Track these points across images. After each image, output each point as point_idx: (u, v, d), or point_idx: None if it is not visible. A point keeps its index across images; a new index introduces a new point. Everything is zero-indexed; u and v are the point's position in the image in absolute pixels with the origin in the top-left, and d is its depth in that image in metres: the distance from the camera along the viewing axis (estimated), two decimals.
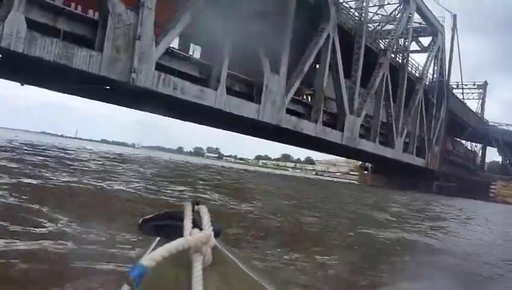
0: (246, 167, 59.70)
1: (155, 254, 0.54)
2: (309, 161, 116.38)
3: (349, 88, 26.32)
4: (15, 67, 14.42)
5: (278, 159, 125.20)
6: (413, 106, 35.51)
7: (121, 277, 0.56)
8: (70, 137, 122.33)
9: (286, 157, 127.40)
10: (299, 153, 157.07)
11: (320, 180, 41.90)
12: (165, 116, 22.78)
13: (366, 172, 50.76)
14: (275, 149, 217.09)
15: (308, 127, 22.69)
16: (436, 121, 40.85)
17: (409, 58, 35.08)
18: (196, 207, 0.71)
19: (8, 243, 2.74)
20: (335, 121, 25.76)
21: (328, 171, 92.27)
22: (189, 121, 23.56)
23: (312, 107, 23.71)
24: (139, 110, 22.52)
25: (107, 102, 21.11)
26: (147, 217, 0.71)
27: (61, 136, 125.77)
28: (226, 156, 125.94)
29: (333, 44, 24.10)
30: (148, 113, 23.29)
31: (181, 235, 0.60)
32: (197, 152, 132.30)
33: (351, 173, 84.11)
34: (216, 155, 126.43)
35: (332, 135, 24.84)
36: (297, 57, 22.48)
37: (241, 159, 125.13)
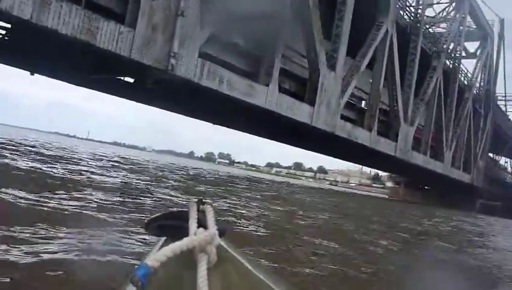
0: (262, 175, 56.71)
1: (160, 254, 0.53)
2: (321, 170, 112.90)
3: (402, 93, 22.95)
4: (23, 46, 11.43)
5: (289, 167, 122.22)
6: (461, 116, 31.96)
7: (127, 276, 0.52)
8: (82, 138, 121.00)
9: (298, 166, 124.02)
10: (310, 161, 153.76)
11: (351, 193, 38.27)
12: (197, 118, 19.65)
13: (397, 186, 47.28)
14: (286, 156, 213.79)
15: (362, 136, 19.33)
16: (482, 134, 37.17)
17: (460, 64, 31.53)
18: (201, 207, 0.69)
19: None
20: (387, 130, 22.36)
21: (348, 182, 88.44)
22: (223, 125, 20.32)
23: (365, 112, 20.38)
24: (165, 109, 19.42)
25: (130, 99, 17.98)
26: (152, 217, 0.70)
27: (74, 136, 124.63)
28: (237, 162, 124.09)
29: (391, 41, 20.78)
30: (174, 113, 20.25)
31: (186, 235, 0.60)
32: (209, 157, 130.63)
33: (374, 185, 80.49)
34: (227, 161, 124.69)
35: (385, 146, 21.45)
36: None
37: (252, 165, 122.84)
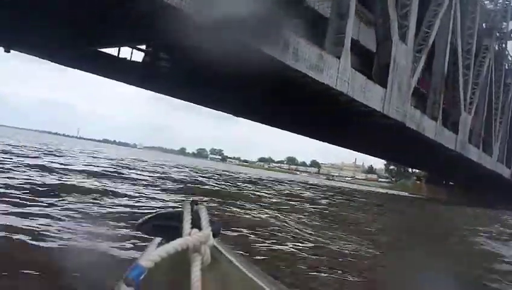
0: (259, 171, 53.25)
1: (154, 255, 0.53)
2: (315, 164, 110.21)
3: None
4: None
5: (281, 162, 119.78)
6: (505, 103, 28.20)
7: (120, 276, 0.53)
8: (72, 136, 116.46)
9: (291, 160, 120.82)
10: (302, 155, 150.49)
11: (373, 192, 34.38)
12: (225, 111, 15.68)
13: (418, 182, 43.66)
14: (278, 151, 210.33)
15: (428, 127, 15.44)
16: None
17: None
18: (195, 207, 0.68)
19: None
20: (444, 120, 18.48)
21: (353, 177, 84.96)
22: (273, 126, 16.35)
23: (427, 98, 16.51)
24: (181, 99, 15.35)
25: (145, 88, 13.93)
26: (146, 217, 0.69)
27: (63, 135, 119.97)
28: (230, 158, 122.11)
29: (455, 12, 16.89)
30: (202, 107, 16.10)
31: (180, 236, 0.60)
32: (200, 153, 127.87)
33: (380, 179, 77.04)
34: (220, 157, 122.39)
35: (448, 138, 17.60)
36: None
37: (245, 161, 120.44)
